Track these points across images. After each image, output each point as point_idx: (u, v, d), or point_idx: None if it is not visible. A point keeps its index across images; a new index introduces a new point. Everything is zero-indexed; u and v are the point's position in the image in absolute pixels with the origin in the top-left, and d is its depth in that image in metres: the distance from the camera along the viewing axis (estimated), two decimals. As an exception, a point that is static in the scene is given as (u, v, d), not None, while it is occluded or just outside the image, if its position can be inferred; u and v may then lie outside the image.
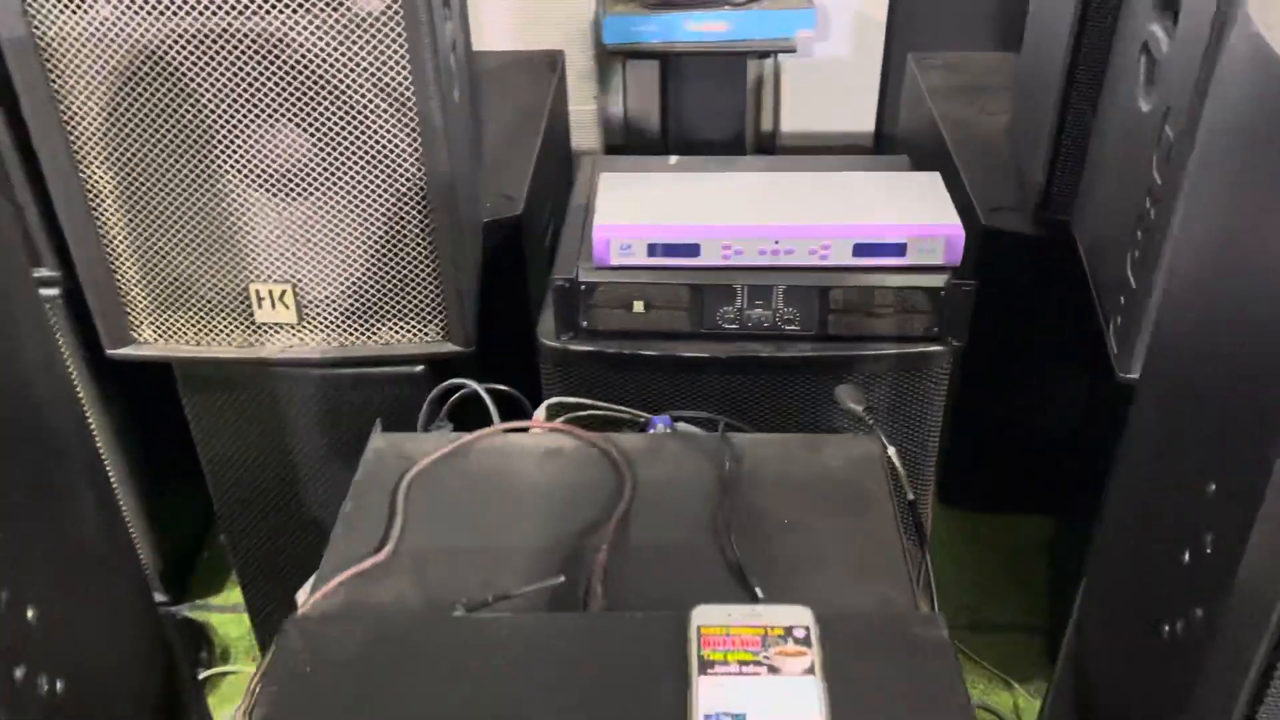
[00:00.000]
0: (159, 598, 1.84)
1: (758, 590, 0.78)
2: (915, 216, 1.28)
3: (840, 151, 3.16)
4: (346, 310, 1.34)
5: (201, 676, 1.73)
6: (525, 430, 0.99)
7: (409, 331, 1.37)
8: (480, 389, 1.09)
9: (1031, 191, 1.71)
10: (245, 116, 1.21)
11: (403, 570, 0.81)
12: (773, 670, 0.67)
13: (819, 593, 0.79)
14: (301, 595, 0.86)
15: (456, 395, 1.13)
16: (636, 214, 1.29)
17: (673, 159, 1.54)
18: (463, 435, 0.96)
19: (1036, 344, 1.81)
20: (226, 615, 1.82)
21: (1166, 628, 0.69)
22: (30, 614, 0.67)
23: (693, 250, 1.27)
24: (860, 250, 1.27)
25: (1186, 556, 0.67)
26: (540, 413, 1.05)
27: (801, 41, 2.70)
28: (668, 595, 0.76)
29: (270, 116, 1.21)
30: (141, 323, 1.37)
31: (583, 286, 1.28)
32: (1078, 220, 1.59)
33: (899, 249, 1.27)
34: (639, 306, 1.29)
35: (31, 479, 0.71)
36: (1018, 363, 1.82)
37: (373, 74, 1.19)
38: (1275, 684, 0.60)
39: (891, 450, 0.93)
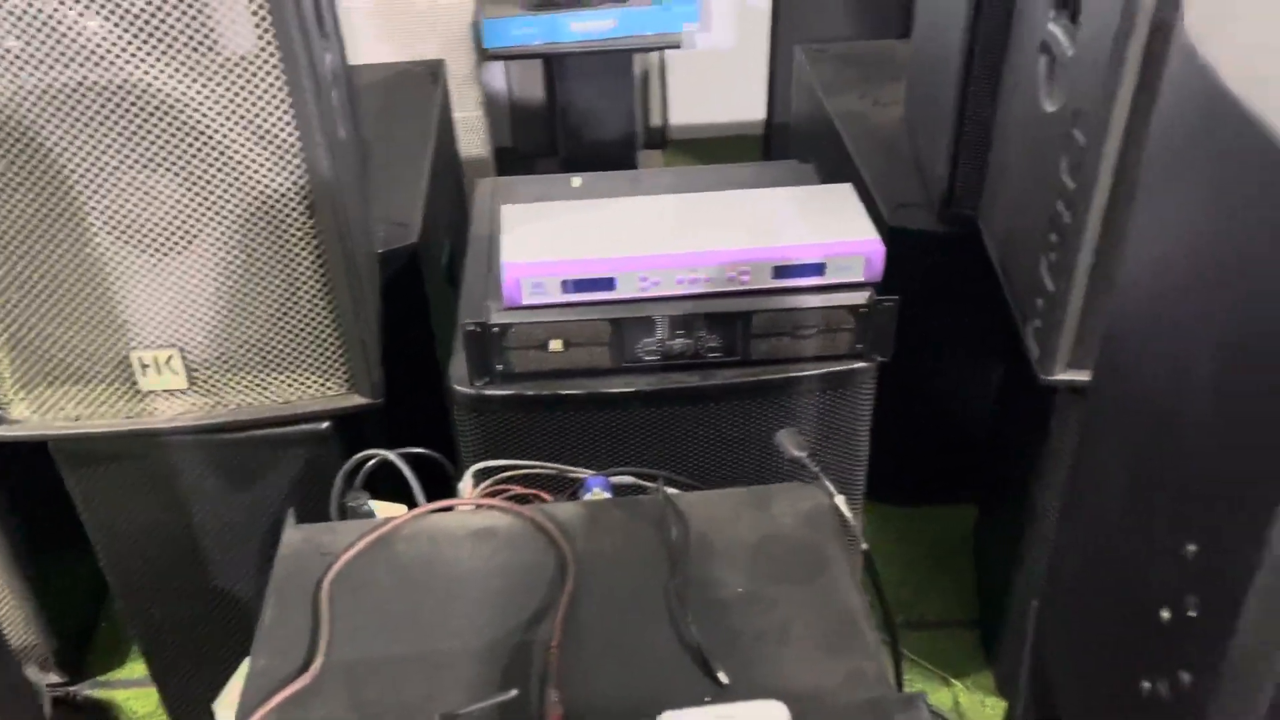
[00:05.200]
0: (54, 679, 1.71)
1: (721, 676, 0.74)
2: (833, 234, 1.25)
3: (732, 143, 3.14)
4: (240, 370, 1.25)
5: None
6: (451, 509, 0.93)
7: (311, 387, 1.28)
8: (395, 457, 1.02)
9: (935, 188, 1.70)
10: (113, 172, 1.11)
11: (335, 690, 0.74)
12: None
13: (786, 672, 0.75)
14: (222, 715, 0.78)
15: (369, 464, 1.05)
16: (546, 250, 1.23)
17: (575, 180, 1.48)
18: (384, 521, 0.89)
19: (950, 339, 1.81)
20: (133, 691, 1.70)
21: (1146, 685, 0.67)
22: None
23: (608, 284, 1.22)
24: (780, 272, 1.24)
25: (1166, 615, 0.64)
26: (466, 482, 0.98)
27: (688, 32, 2.66)
28: (628, 694, 0.71)
29: (140, 170, 1.11)
30: (12, 400, 1.25)
31: (495, 329, 1.22)
32: (984, 217, 1.58)
33: (818, 269, 1.24)
34: (556, 345, 1.23)
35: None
36: (933, 358, 1.82)
37: (249, 119, 1.10)
38: (1271, 751, 0.58)
39: (840, 499, 0.89)
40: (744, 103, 3.02)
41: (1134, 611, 0.68)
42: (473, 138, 2.77)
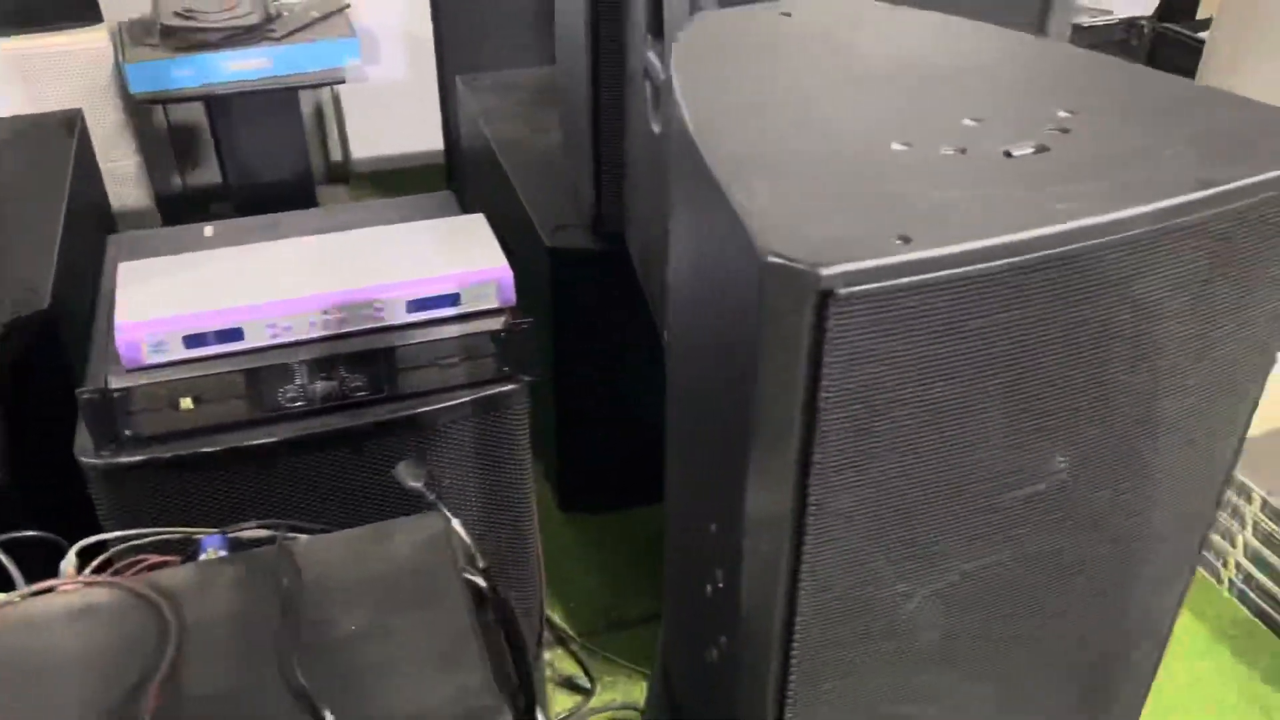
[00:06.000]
0: None
1: (328, 715, 0.74)
2: (463, 264, 1.28)
3: (417, 173, 3.13)
4: None
5: None
6: (51, 590, 0.88)
7: (-87, 479, 1.17)
8: (-5, 544, 0.95)
9: (585, 209, 1.78)
10: None
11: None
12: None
13: (395, 700, 0.76)
14: None
15: (-29, 555, 0.98)
16: (165, 306, 1.19)
17: (208, 229, 1.43)
18: (-29, 615, 0.83)
19: (621, 350, 1.89)
20: None
21: (707, 652, 0.74)
22: None
23: (235, 335, 1.19)
24: (414, 306, 1.25)
25: (708, 589, 0.71)
26: (69, 562, 0.93)
27: (355, 67, 2.64)
28: (229, 753, 0.70)
29: None
30: None
31: (116, 394, 1.16)
32: (628, 234, 1.67)
33: (453, 299, 1.27)
34: (187, 403, 1.19)
35: None
36: (609, 370, 1.90)
37: None
38: (792, 698, 0.66)
39: (456, 522, 0.92)
40: (423, 133, 3.03)
41: (694, 587, 0.75)
42: (130, 190, 2.62)
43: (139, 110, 2.60)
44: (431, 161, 3.07)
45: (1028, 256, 0.53)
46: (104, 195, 2.30)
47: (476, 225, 1.38)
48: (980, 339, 0.55)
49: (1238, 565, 1.85)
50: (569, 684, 1.75)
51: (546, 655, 1.78)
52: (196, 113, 2.85)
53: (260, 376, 1.22)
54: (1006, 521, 0.64)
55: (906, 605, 0.64)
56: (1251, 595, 1.83)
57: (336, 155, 3.14)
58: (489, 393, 1.31)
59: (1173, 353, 0.61)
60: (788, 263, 0.50)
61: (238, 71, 2.48)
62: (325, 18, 2.65)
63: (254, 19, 2.53)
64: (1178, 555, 0.77)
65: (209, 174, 2.93)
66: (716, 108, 0.65)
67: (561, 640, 1.81)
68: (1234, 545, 1.85)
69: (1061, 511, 0.64)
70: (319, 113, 3.08)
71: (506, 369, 1.31)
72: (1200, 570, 1.93)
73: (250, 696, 0.76)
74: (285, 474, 1.28)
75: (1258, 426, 2.09)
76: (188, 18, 2.50)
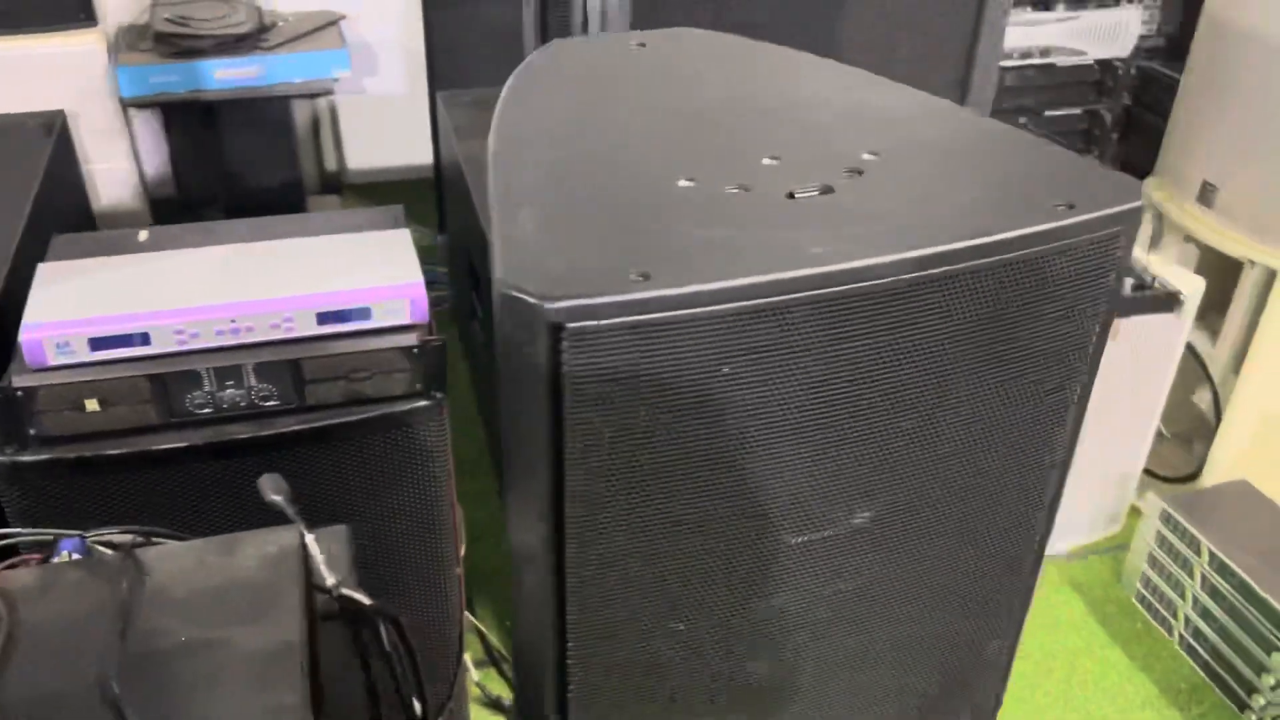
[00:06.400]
0: None
1: (133, 727, 0.74)
2: (378, 279, 1.28)
3: (409, 186, 3.16)
4: None
5: None
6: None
7: None
8: None
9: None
10: None
11: None
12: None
13: (203, 715, 0.76)
14: None
15: None
16: (74, 308, 1.20)
17: (142, 234, 1.45)
18: None
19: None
20: None
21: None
22: None
23: (143, 339, 1.20)
24: (325, 318, 1.26)
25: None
26: (-68, 558, 0.94)
27: (350, 79, 2.67)
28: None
29: None
30: None
31: (19, 393, 1.17)
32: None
33: (365, 313, 1.27)
34: (93, 405, 1.20)
35: None
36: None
37: None
38: (567, 737, 0.65)
39: (310, 538, 0.92)
40: (417, 146, 3.05)
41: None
42: (120, 192, 2.66)
43: (134, 114, 2.65)
44: (425, 175, 3.10)
45: (772, 299, 0.52)
46: (83, 197, 2.33)
47: (398, 240, 1.38)
48: (730, 381, 0.54)
49: (1186, 619, 1.81)
50: (496, 705, 1.74)
51: (476, 675, 1.77)
52: (194, 118, 2.89)
53: (167, 382, 1.23)
54: (787, 563, 0.63)
55: (682, 643, 0.63)
56: (1199, 650, 1.79)
57: (331, 165, 3.17)
58: (400, 409, 1.32)
59: (942, 393, 0.59)
60: (519, 295, 0.50)
61: (226, 79, 2.51)
62: (319, 29, 2.68)
63: (246, 28, 2.57)
64: (992, 586, 0.74)
65: (199, 180, 2.96)
66: (522, 133, 0.65)
67: (495, 660, 1.80)
68: (1183, 598, 1.81)
69: (844, 554, 0.63)
70: (315, 123, 3.12)
71: (419, 385, 1.32)
72: (1152, 621, 1.89)
73: (63, 702, 0.77)
74: (192, 480, 1.28)
75: (1209, 476, 2.04)
76: (181, 24, 2.54)
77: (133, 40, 2.58)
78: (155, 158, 2.95)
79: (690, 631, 0.62)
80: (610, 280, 0.51)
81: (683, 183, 0.61)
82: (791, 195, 0.60)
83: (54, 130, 2.13)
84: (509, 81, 0.73)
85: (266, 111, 2.66)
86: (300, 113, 2.95)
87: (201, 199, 3.01)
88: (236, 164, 2.74)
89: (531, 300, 0.50)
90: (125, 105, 2.52)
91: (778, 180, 0.61)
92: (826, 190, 0.60)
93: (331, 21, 2.71)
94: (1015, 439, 0.65)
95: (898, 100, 0.72)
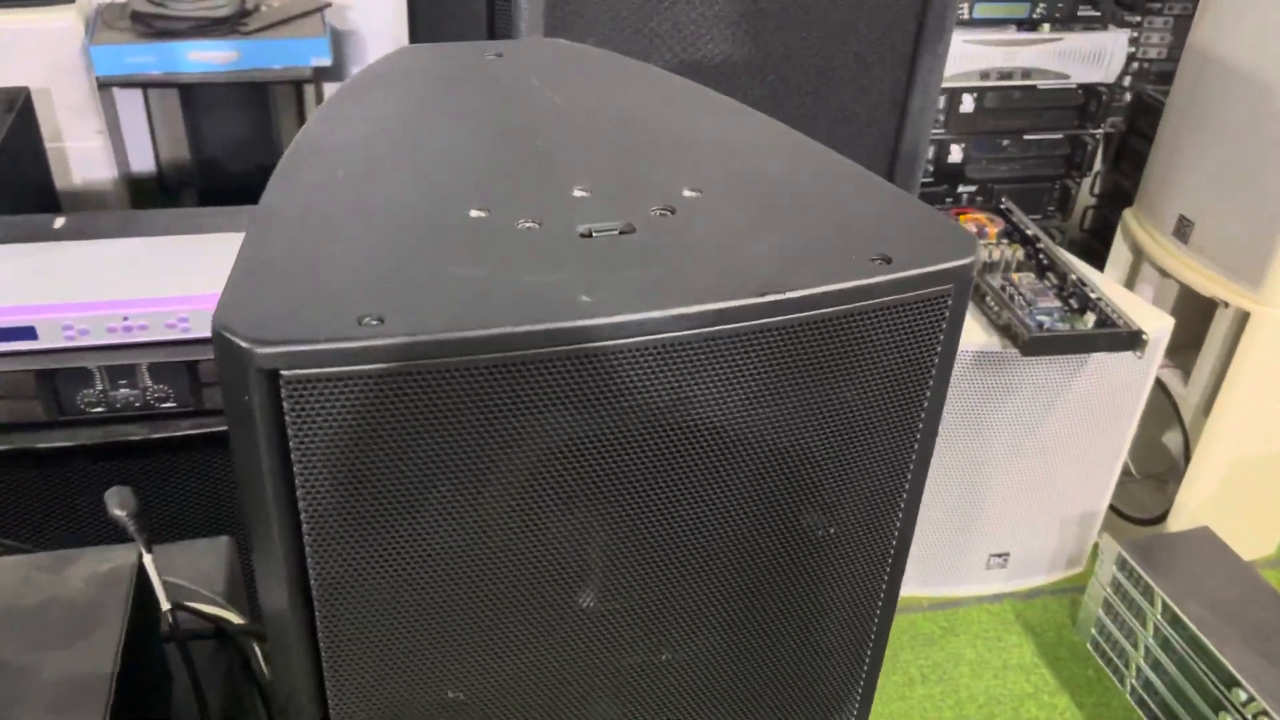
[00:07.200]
0: None
1: (-90, 758, 0.70)
2: (282, 281, 1.23)
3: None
4: None
5: None
6: None
7: None
8: None
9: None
10: None
11: None
12: None
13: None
14: None
15: None
16: (-41, 298, 1.16)
17: (59, 221, 1.41)
18: None
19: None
20: None
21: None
22: None
23: (28, 333, 1.16)
24: (223, 320, 1.21)
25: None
26: None
27: (338, 65, 2.62)
28: None
29: None
30: None
31: (-103, 384, 1.14)
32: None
33: (266, 316, 1.22)
34: (-24, 399, 1.16)
35: None
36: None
37: None
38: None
39: (148, 558, 0.88)
40: (401, 138, 3.00)
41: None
42: (94, 169, 2.63)
43: (119, 94, 2.62)
44: (409, 167, 3.05)
45: (513, 354, 0.46)
46: (47, 174, 2.31)
47: (313, 242, 1.33)
48: (480, 437, 0.48)
49: (1138, 669, 1.74)
50: None
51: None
52: (169, 98, 2.86)
53: (56, 378, 1.19)
54: (577, 629, 0.57)
55: (463, 713, 0.57)
56: (1149, 702, 1.72)
57: (315, 152, 3.13)
58: (302, 416, 1.27)
59: (735, 464, 0.54)
60: (227, 335, 0.45)
61: (201, 62, 2.48)
62: (301, 15, 2.64)
63: (225, 11, 2.53)
64: (832, 658, 0.68)
65: (178, 162, 2.94)
66: (320, 146, 0.60)
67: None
68: (1136, 648, 1.74)
69: (632, 625, 0.58)
70: (300, 107, 3.08)
71: (324, 393, 1.27)
72: (1104, 669, 1.82)
73: None
74: (83, 481, 1.24)
75: (1176, 520, 1.96)
76: (159, 5, 2.51)
77: (111, 19, 2.55)
78: (139, 139, 2.92)
79: (471, 702, 0.57)
80: (335, 323, 0.46)
81: (474, 213, 0.56)
82: (589, 234, 0.54)
83: (15, 106, 2.11)
84: (341, 87, 0.69)
85: (243, 95, 2.63)
86: (283, 97, 2.91)
87: (178, 181, 2.98)
88: (214, 148, 2.71)
89: (241, 343, 0.44)
90: (101, 85, 2.49)
91: (579, 215, 0.55)
92: (627, 230, 0.54)
93: (316, 8, 2.67)
94: (840, 511, 0.60)
95: (747, 132, 0.66)
